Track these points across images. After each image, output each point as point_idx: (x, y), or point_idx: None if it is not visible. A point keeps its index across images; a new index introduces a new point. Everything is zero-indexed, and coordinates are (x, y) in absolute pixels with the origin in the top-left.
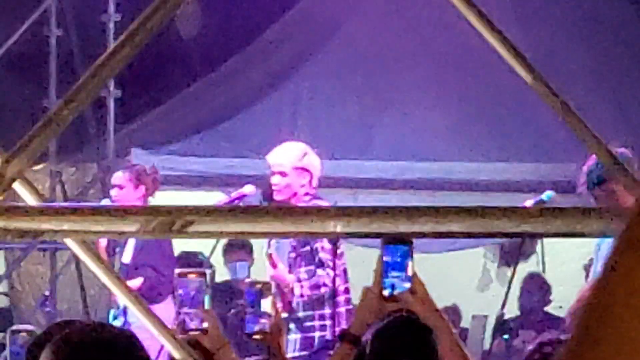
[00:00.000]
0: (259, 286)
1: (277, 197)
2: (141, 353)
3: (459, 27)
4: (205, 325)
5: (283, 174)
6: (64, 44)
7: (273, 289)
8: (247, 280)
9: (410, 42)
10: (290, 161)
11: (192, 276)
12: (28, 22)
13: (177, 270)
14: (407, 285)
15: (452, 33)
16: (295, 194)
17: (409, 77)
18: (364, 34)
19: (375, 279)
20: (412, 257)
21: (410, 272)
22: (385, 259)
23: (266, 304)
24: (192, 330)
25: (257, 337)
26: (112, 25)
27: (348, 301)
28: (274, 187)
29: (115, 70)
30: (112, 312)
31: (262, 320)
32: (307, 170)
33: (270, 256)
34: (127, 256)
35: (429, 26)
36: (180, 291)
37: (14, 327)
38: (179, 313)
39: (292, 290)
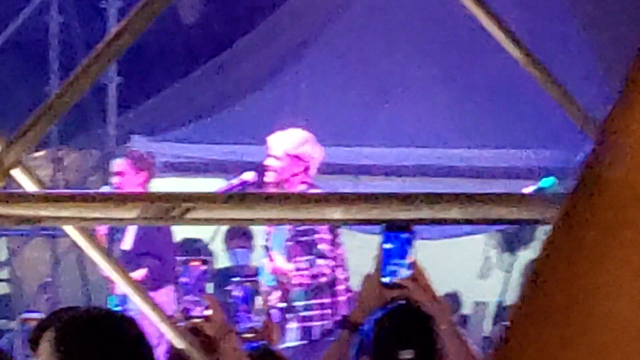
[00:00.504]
0: (249, 284)
1: (267, 179)
2: (142, 338)
3: (458, 14)
4: (208, 312)
5: (276, 157)
6: (65, 31)
7: (268, 284)
8: (236, 279)
9: (410, 29)
10: (285, 147)
11: (195, 264)
12: (29, 9)
13: (180, 258)
14: (408, 272)
15: (451, 19)
16: (286, 180)
17: (409, 64)
18: (364, 21)
19: (375, 266)
20: (412, 244)
21: (410, 259)
22: (385, 246)
23: (258, 302)
24: (195, 317)
25: (249, 335)
26: (113, 12)
27: (348, 290)
28: (266, 169)
29: (115, 57)
30: (112, 299)
31: (255, 318)
32: (301, 159)
33: (267, 249)
34: (127, 243)
35: (428, 13)
36: (183, 279)
37: (24, 316)
38: (183, 300)
39: (291, 280)
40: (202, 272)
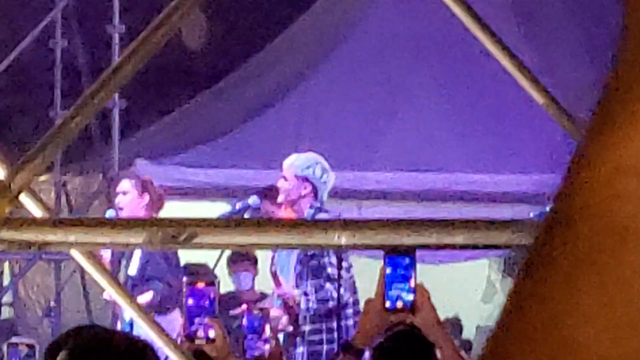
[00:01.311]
0: (258, 312)
1: (278, 199)
2: None
3: (465, 39)
4: (212, 334)
5: (285, 179)
6: (69, 55)
7: (275, 310)
8: (244, 306)
9: (415, 54)
10: (294, 169)
11: (201, 285)
12: (34, 33)
13: (186, 279)
14: (411, 297)
15: (456, 45)
16: (294, 202)
17: (413, 89)
18: (369, 45)
19: (377, 291)
20: (414, 268)
21: (413, 284)
22: (387, 270)
23: (266, 330)
24: (199, 339)
25: None
26: (117, 36)
27: (357, 313)
28: (278, 190)
29: (121, 84)
30: (119, 324)
31: (263, 346)
32: (308, 181)
33: (274, 274)
34: (133, 268)
35: (433, 38)
36: (189, 301)
37: (13, 340)
38: (188, 322)
39: (298, 304)
40: (208, 294)
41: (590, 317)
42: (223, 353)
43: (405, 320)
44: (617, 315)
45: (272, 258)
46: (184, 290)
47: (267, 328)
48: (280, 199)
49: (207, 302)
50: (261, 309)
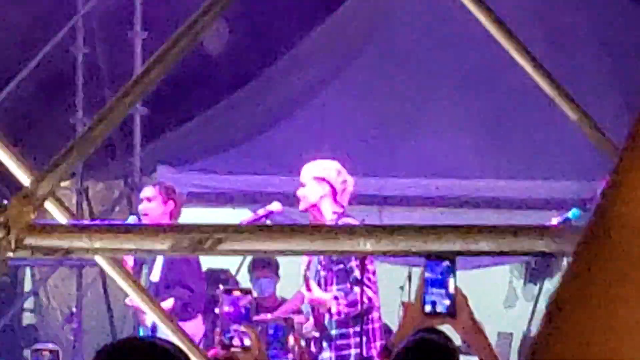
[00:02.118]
0: (283, 322)
1: (300, 207)
2: None
3: (485, 45)
4: (247, 342)
5: (303, 184)
6: (91, 62)
7: (303, 315)
8: (269, 315)
9: (437, 60)
10: (310, 172)
11: (237, 293)
12: (55, 40)
13: (222, 287)
14: (448, 302)
15: (478, 50)
16: (314, 205)
17: (435, 95)
18: (391, 52)
19: (417, 295)
20: (454, 273)
21: (452, 289)
22: (426, 275)
23: (291, 340)
24: (235, 347)
25: None
26: (139, 43)
27: (380, 318)
28: (298, 199)
29: (145, 91)
30: (141, 330)
31: (288, 356)
32: (325, 181)
33: (307, 283)
34: (155, 275)
35: (455, 44)
36: (225, 308)
37: (36, 346)
38: (224, 330)
39: (329, 309)
40: (245, 302)
41: (631, 333)
42: None
43: (434, 325)
44: None
45: (308, 263)
46: (221, 298)
47: (291, 338)
48: (301, 206)
49: (242, 310)
50: (286, 319)
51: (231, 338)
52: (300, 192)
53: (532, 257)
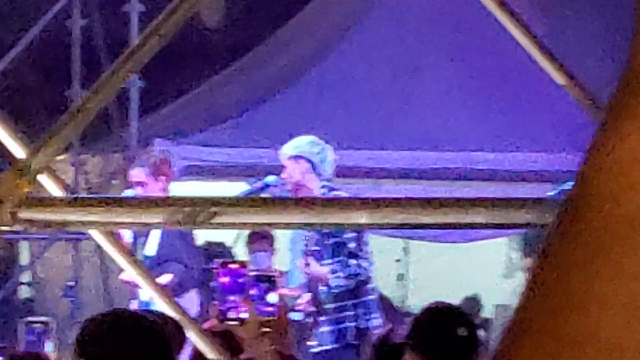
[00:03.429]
0: (265, 279)
1: (288, 188)
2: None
3: (482, 16)
4: (243, 315)
5: (283, 166)
6: (88, 35)
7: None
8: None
9: (433, 32)
10: (284, 154)
11: (232, 267)
12: (52, 12)
13: (218, 261)
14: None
15: (474, 22)
16: (299, 183)
17: (431, 67)
18: (387, 24)
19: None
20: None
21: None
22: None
23: (272, 297)
24: (231, 320)
25: (263, 328)
26: (135, 16)
27: (373, 290)
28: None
29: (140, 64)
30: (136, 304)
31: (268, 309)
32: (300, 157)
33: (306, 254)
34: (150, 248)
35: (451, 16)
36: (221, 281)
37: (28, 319)
38: (220, 302)
39: (327, 283)
40: (241, 275)
41: (609, 306)
42: (254, 334)
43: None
44: (634, 304)
45: (306, 238)
46: (217, 271)
47: (274, 295)
48: (288, 187)
49: (238, 283)
50: (268, 277)
51: (228, 311)
52: (283, 175)
53: (530, 230)
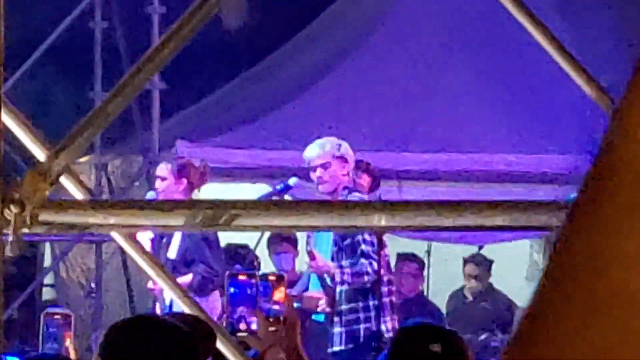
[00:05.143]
0: (272, 278)
1: (321, 189)
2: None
3: (502, 19)
4: (254, 326)
5: (323, 167)
6: (109, 37)
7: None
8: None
9: (454, 34)
10: (329, 152)
11: (242, 277)
12: (73, 14)
13: (228, 272)
14: None
15: (495, 25)
16: (333, 188)
17: (452, 69)
18: (407, 26)
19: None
20: None
21: None
22: None
23: (278, 295)
24: (241, 331)
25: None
26: (157, 18)
27: (391, 292)
28: (318, 181)
29: (161, 65)
30: (158, 306)
31: (274, 307)
32: (345, 161)
33: (310, 252)
34: (172, 251)
35: (472, 19)
36: (230, 292)
37: (49, 310)
38: (230, 313)
39: (333, 277)
40: (249, 286)
41: (638, 266)
42: (265, 345)
43: None
44: None
45: (308, 237)
46: (226, 283)
47: (280, 293)
48: (322, 189)
49: (248, 295)
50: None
51: (237, 322)
52: (321, 174)
53: (551, 232)
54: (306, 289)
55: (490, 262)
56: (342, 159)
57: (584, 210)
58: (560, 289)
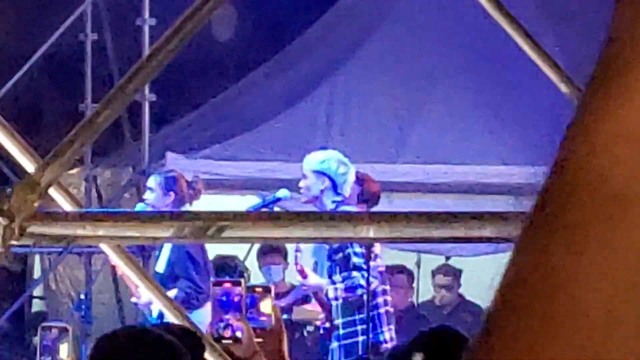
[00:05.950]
0: (259, 290)
1: (302, 199)
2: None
3: (495, 31)
4: (239, 334)
5: (304, 176)
6: (100, 48)
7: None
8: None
9: (446, 45)
10: (310, 165)
11: (227, 285)
12: (64, 27)
13: (212, 280)
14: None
15: (487, 37)
16: (316, 198)
17: (444, 80)
18: (398, 38)
19: None
20: None
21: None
22: None
23: (265, 306)
24: (226, 339)
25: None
26: (147, 29)
27: (387, 302)
28: (300, 190)
29: (150, 77)
30: (148, 318)
31: (262, 318)
32: (323, 174)
33: (301, 271)
34: (160, 265)
35: (464, 29)
36: (216, 300)
37: (46, 324)
38: (215, 322)
39: (327, 294)
40: (234, 294)
41: (594, 284)
42: (249, 353)
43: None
44: (620, 281)
45: (295, 257)
46: (211, 290)
47: (267, 305)
48: (303, 198)
49: (233, 302)
50: (262, 288)
51: (222, 329)
52: (302, 184)
53: None
54: (297, 302)
55: (460, 271)
56: (321, 173)
57: (540, 226)
58: (514, 306)
